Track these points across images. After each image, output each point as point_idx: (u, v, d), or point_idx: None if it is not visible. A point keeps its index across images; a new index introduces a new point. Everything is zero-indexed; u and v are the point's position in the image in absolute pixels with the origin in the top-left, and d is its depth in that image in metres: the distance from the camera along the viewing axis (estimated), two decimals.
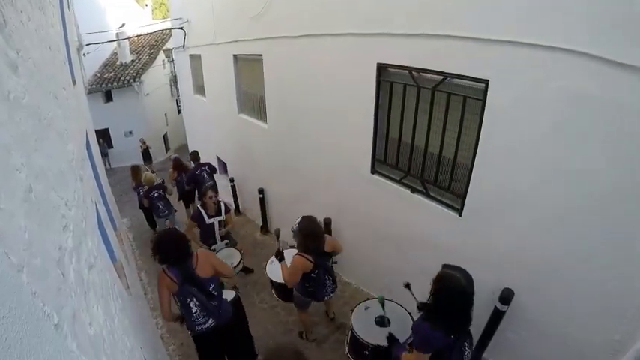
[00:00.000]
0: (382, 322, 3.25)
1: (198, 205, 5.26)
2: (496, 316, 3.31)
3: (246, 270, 5.59)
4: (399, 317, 3.36)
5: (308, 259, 3.41)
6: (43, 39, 2.03)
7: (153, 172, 7.93)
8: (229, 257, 4.83)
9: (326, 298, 3.80)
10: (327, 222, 5.26)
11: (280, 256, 3.62)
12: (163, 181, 7.31)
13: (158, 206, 6.89)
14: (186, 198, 8.32)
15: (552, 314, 3.04)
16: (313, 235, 3.41)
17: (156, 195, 6.85)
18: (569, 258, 2.78)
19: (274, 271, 4.11)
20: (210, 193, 5.09)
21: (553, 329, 3.06)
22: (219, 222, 5.17)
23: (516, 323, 3.30)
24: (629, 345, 2.58)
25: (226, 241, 5.31)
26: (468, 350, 2.45)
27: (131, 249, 7.39)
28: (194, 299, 2.97)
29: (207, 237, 5.14)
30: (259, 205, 7.43)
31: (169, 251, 2.91)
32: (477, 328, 3.48)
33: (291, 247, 4.34)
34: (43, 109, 1.52)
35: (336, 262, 3.68)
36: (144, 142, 16.43)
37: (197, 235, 5.08)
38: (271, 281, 4.24)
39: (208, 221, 5.07)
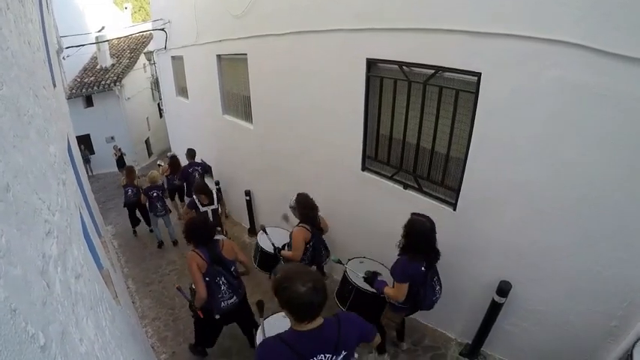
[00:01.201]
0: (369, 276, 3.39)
1: (194, 195, 5.51)
2: (494, 309, 3.29)
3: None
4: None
5: (307, 229, 3.78)
6: (22, 32, 1.92)
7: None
8: None
9: (323, 263, 4.19)
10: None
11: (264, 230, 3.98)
12: (163, 183, 7.70)
13: (156, 205, 7.18)
14: (173, 192, 8.39)
15: (550, 304, 3.04)
16: (310, 206, 3.87)
17: (155, 194, 7.14)
18: (565, 248, 2.78)
19: (264, 241, 4.21)
20: (207, 187, 5.49)
21: (551, 319, 3.07)
22: (213, 210, 5.41)
23: (514, 315, 3.30)
24: (627, 330, 2.60)
25: (219, 228, 5.38)
26: (438, 287, 3.15)
27: (117, 256, 7.20)
28: (222, 278, 3.32)
29: None
30: (246, 207, 7.31)
31: (202, 232, 3.33)
32: (474, 322, 3.48)
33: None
34: (22, 105, 1.41)
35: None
36: (118, 149, 16.11)
37: None
38: (261, 251, 4.38)
39: (202, 209, 5.32)
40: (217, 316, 3.39)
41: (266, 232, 4.09)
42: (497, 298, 3.22)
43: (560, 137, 2.59)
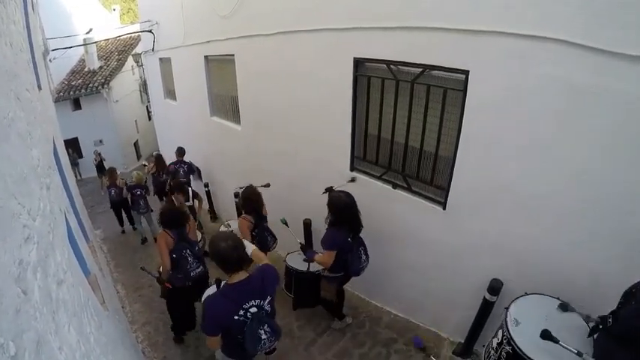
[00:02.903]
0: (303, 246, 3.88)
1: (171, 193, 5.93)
2: (485, 307, 3.28)
3: (206, 254, 5.56)
4: None
5: (249, 221, 4.10)
6: (3, 33, 1.87)
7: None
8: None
9: (271, 249, 4.41)
10: (307, 222, 5.17)
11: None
12: (146, 181, 8.15)
13: (139, 203, 7.60)
14: (161, 191, 8.49)
15: None
16: (254, 199, 4.18)
17: (138, 193, 7.58)
18: (556, 245, 2.78)
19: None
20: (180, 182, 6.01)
21: None
22: (189, 207, 5.88)
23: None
24: None
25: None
26: (364, 257, 3.60)
27: (106, 261, 7.11)
28: (188, 251, 3.90)
29: None
30: (236, 209, 7.25)
31: (173, 216, 3.91)
32: (467, 320, 3.48)
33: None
34: (1, 107, 1.37)
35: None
36: (98, 154, 15.89)
37: None
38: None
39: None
40: (189, 283, 3.90)
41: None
42: (488, 297, 3.22)
43: (549, 135, 2.60)
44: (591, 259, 2.61)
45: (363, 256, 3.56)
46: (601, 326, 2.17)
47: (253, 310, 2.39)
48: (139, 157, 20.08)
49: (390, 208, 4.04)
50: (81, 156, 17.40)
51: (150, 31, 9.33)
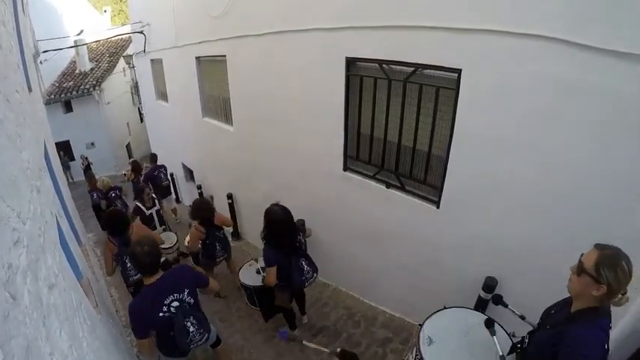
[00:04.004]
0: (259, 270, 4.07)
1: (137, 202, 6.25)
2: (480, 305, 3.29)
3: (183, 255, 5.61)
4: None
5: (200, 231, 4.30)
6: None
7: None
8: (168, 238, 5.86)
9: (217, 260, 4.64)
10: (301, 223, 5.15)
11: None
12: (120, 187, 8.36)
13: (116, 204, 7.73)
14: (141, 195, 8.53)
15: (538, 297, 3.02)
16: (204, 209, 4.36)
17: (113, 195, 7.84)
18: (551, 242, 2.78)
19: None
20: (147, 190, 6.25)
21: (538, 314, 3.04)
22: (157, 211, 6.25)
23: (501, 310, 3.29)
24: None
25: (164, 227, 6.44)
26: (308, 268, 3.48)
27: (99, 264, 7.04)
28: (127, 257, 3.86)
29: (148, 224, 5.86)
30: (229, 210, 7.24)
31: (114, 225, 3.93)
32: None
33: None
34: None
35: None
36: (85, 158, 15.78)
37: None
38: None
39: (147, 212, 6.08)
40: (131, 289, 4.23)
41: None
42: (483, 295, 3.24)
43: (541, 132, 2.61)
44: None
45: (306, 267, 3.50)
46: (519, 345, 2.14)
47: (175, 304, 2.62)
48: (131, 159, 19.92)
49: (384, 207, 4.04)
50: (73, 159, 17.24)
51: (141, 32, 9.28)
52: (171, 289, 2.63)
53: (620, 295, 1.63)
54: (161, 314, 2.57)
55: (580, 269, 1.72)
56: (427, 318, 2.58)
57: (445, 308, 2.66)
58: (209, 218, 4.40)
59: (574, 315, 1.80)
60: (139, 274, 3.87)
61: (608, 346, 1.67)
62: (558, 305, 2.02)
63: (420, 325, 2.57)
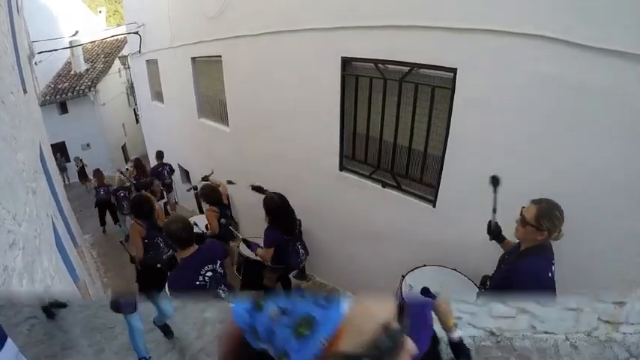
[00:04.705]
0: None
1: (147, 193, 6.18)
2: None
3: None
4: None
5: (215, 211, 4.52)
6: None
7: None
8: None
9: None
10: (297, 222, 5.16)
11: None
12: (130, 186, 8.24)
13: (123, 204, 7.78)
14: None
15: None
16: (215, 191, 4.72)
17: (122, 195, 7.78)
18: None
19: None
20: (156, 182, 6.34)
21: None
22: (164, 204, 6.51)
23: None
24: None
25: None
26: (302, 251, 3.90)
27: (95, 266, 7.03)
28: (159, 238, 4.10)
29: None
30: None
31: (143, 208, 4.15)
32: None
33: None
34: None
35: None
36: (80, 160, 15.67)
37: None
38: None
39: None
40: (159, 265, 4.18)
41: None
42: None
43: (537, 130, 2.62)
44: (585, 255, 2.64)
45: (301, 251, 3.90)
46: (482, 289, 2.72)
47: (209, 274, 2.83)
48: (127, 160, 19.79)
49: (380, 206, 4.04)
50: (68, 160, 17.15)
51: (136, 33, 9.23)
52: (208, 260, 2.85)
53: (556, 234, 2.07)
54: (197, 283, 2.79)
55: (523, 222, 2.13)
56: (409, 271, 3.18)
57: (425, 266, 3.31)
58: (220, 198, 4.72)
59: (523, 252, 2.22)
60: (170, 252, 4.12)
61: (552, 274, 2.08)
62: (510, 251, 2.42)
63: (402, 276, 3.17)
